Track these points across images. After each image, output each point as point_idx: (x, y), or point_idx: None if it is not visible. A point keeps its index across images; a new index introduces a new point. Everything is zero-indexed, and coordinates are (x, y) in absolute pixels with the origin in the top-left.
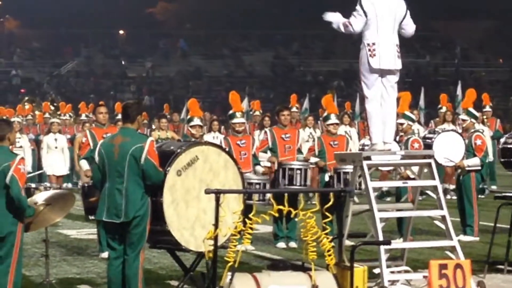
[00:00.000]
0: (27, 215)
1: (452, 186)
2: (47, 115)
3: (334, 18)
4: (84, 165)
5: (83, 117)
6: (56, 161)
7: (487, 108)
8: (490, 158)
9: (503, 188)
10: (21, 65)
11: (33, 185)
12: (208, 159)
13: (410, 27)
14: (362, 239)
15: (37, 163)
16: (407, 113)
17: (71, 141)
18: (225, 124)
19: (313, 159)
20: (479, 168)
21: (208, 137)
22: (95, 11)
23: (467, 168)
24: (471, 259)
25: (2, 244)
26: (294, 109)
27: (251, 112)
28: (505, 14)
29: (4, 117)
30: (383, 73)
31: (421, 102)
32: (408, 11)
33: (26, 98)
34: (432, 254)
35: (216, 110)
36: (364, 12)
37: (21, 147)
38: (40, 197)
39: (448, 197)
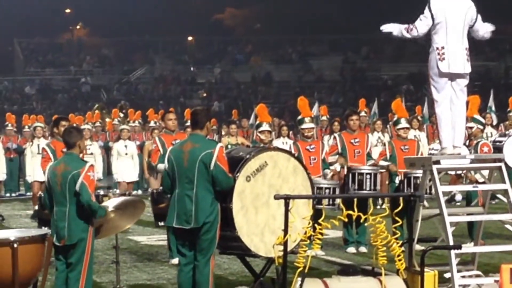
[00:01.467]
0: (98, 215)
1: None
2: (116, 121)
3: (393, 27)
4: (162, 168)
5: (152, 123)
6: (126, 167)
7: None
8: None
9: None
10: (90, 73)
11: (101, 192)
12: (277, 164)
13: (482, 30)
14: (432, 243)
15: (107, 170)
16: (477, 116)
17: (140, 148)
18: (293, 129)
19: (384, 163)
20: None
21: (277, 143)
22: (163, 18)
23: None
24: None
25: (73, 251)
26: (363, 113)
27: (319, 117)
28: None
29: (75, 125)
30: (452, 76)
31: (491, 104)
32: (479, 15)
33: (97, 105)
34: (503, 258)
35: (284, 116)
36: (432, 15)
37: (91, 154)
38: (110, 204)
39: None
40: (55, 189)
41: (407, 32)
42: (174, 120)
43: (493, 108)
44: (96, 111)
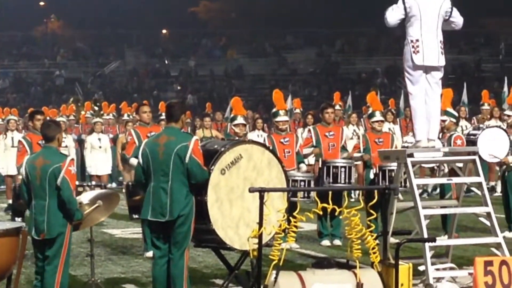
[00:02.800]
0: (75, 219)
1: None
2: (89, 114)
3: None
4: (135, 162)
5: (125, 116)
6: (99, 161)
7: None
8: None
9: None
10: (64, 66)
11: (76, 183)
12: (252, 157)
13: (458, 20)
14: (406, 236)
15: (80, 163)
16: (450, 110)
17: (114, 140)
18: (268, 122)
19: (358, 154)
20: None
21: (252, 136)
22: (137, 11)
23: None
24: None
25: (52, 245)
26: (337, 107)
27: (292, 110)
28: None
29: (51, 118)
30: (427, 69)
31: (464, 98)
32: (455, 8)
33: (72, 98)
34: (477, 251)
35: (259, 109)
36: (405, 7)
37: (66, 146)
38: (85, 197)
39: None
40: (34, 182)
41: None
42: (148, 113)
43: (466, 102)
44: (71, 104)
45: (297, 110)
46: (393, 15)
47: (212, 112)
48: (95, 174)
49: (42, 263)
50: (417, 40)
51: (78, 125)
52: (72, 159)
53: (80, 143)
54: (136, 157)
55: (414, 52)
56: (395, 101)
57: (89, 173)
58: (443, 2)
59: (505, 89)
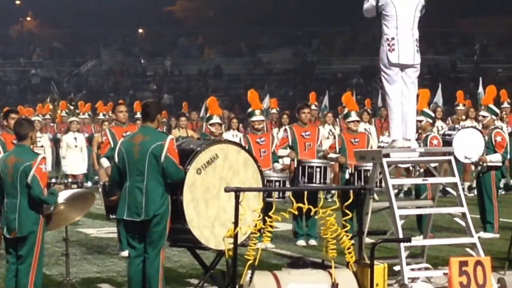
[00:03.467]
0: (49, 203)
1: (467, 184)
2: (64, 114)
3: None
4: (105, 163)
5: (100, 116)
6: (75, 160)
7: (505, 105)
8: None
9: None
10: (40, 65)
11: (53, 180)
12: (227, 157)
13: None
14: (382, 236)
15: (56, 162)
16: (426, 110)
17: (89, 140)
18: (244, 122)
19: (334, 155)
20: (500, 164)
21: (227, 135)
22: (114, 10)
23: (488, 164)
24: (491, 256)
25: (23, 244)
26: (313, 107)
27: (269, 110)
28: None
29: (25, 116)
30: (402, 68)
31: (438, 99)
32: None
33: (49, 97)
34: (452, 251)
35: (235, 108)
36: (377, 6)
37: (42, 146)
38: (60, 197)
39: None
40: (6, 180)
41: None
42: (124, 112)
43: (441, 102)
44: (47, 103)
45: (274, 110)
46: (368, 11)
47: (188, 111)
48: (71, 173)
49: (15, 262)
50: (392, 38)
51: (53, 124)
52: (44, 158)
53: (55, 142)
54: (108, 157)
55: (389, 50)
56: (371, 101)
57: (65, 172)
58: (419, 0)
59: (480, 89)
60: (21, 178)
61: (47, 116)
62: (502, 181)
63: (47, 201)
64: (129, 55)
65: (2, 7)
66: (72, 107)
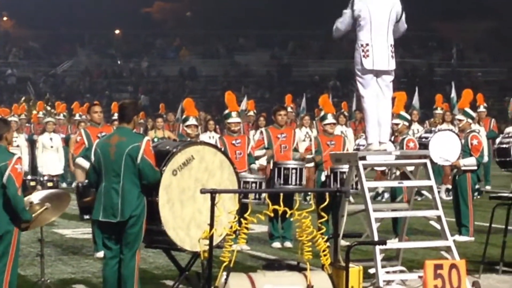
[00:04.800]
0: (23, 219)
1: (445, 187)
2: (41, 114)
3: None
4: (82, 162)
5: (76, 116)
6: (51, 160)
7: (481, 109)
8: (485, 158)
9: (498, 188)
10: (16, 65)
11: (29, 177)
12: (203, 159)
13: (402, 27)
14: (357, 239)
15: (31, 163)
16: (403, 113)
17: (65, 141)
18: (220, 124)
19: (309, 157)
20: (475, 168)
21: (204, 137)
22: (91, 11)
23: (463, 168)
24: (466, 259)
25: None
26: (289, 109)
27: (245, 112)
28: (502, 15)
29: (1, 117)
30: (377, 73)
31: (414, 102)
32: (404, 12)
33: (24, 97)
34: (427, 254)
35: (211, 110)
36: (353, 12)
37: (18, 146)
38: (35, 197)
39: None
40: None
41: (335, 34)
42: (100, 113)
43: (418, 106)
44: (23, 104)
45: (251, 112)
46: (342, 22)
47: (165, 113)
48: (47, 174)
49: None
50: (367, 44)
51: (29, 125)
52: (19, 158)
53: (31, 143)
54: (83, 157)
55: (364, 56)
56: (348, 104)
57: (41, 173)
58: (394, 5)
59: (453, 94)
60: None
61: (22, 116)
62: (478, 185)
63: (20, 209)
64: (106, 56)
65: None
66: (49, 108)
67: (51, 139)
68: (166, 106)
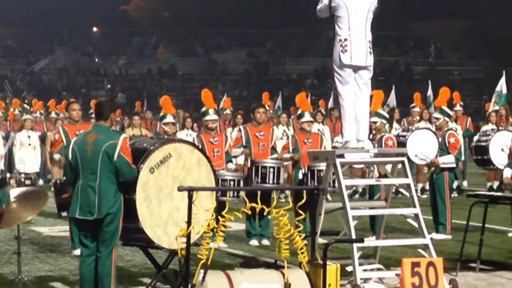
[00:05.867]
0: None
1: (420, 185)
2: (17, 112)
3: None
4: (58, 156)
5: (53, 114)
6: (28, 158)
7: (458, 107)
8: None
9: (474, 186)
10: None
11: (8, 175)
12: (181, 156)
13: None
14: (335, 237)
15: (8, 160)
16: (380, 111)
17: (42, 138)
18: (197, 121)
19: (287, 155)
20: (454, 166)
21: (181, 135)
22: (68, 8)
23: (441, 166)
24: (443, 257)
25: None
26: (266, 107)
27: (222, 110)
28: (479, 14)
29: None
30: (355, 69)
31: (391, 100)
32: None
33: (0, 95)
34: (404, 252)
35: (189, 108)
36: (330, 6)
37: None
38: (11, 194)
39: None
40: None
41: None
42: (78, 111)
43: (394, 104)
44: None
45: (228, 110)
46: (320, 11)
47: (142, 111)
48: (24, 172)
49: None
50: (345, 39)
51: (6, 122)
52: None
53: (8, 140)
54: (61, 153)
55: (342, 51)
56: (325, 102)
57: (18, 170)
58: (372, 1)
59: (429, 92)
60: None
61: (0, 114)
62: (456, 183)
63: None
64: (84, 54)
65: None
66: (26, 105)
67: (29, 136)
68: (142, 104)
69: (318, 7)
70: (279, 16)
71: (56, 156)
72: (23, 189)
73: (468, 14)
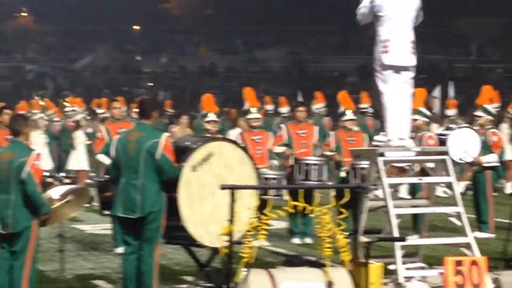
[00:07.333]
0: (42, 212)
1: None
2: (68, 109)
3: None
4: (104, 159)
5: (98, 111)
6: (79, 156)
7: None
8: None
9: None
10: (35, 60)
11: (48, 175)
12: (223, 154)
13: (418, 19)
14: (377, 235)
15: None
16: (422, 109)
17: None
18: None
19: (328, 153)
20: (497, 164)
21: (233, 133)
22: (109, 6)
23: (484, 165)
24: (486, 256)
25: (18, 240)
26: (320, 105)
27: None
28: None
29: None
30: (397, 69)
31: (436, 93)
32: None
33: (40, 93)
34: (447, 250)
35: (229, 106)
36: (372, 7)
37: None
38: (55, 192)
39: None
40: (0, 176)
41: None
42: (120, 109)
43: (453, 95)
44: (40, 99)
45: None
46: (360, 16)
47: (173, 109)
48: (72, 169)
49: (9, 258)
50: (387, 40)
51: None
52: (38, 154)
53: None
54: (104, 153)
55: (383, 52)
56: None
57: (70, 168)
58: (414, 1)
59: (451, 92)
60: (15, 174)
61: (50, 113)
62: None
63: (40, 202)
64: (124, 52)
65: None
66: (66, 103)
67: (86, 133)
68: (183, 102)
69: (360, 12)
70: (320, 12)
71: (100, 157)
72: (65, 187)
73: (507, 11)
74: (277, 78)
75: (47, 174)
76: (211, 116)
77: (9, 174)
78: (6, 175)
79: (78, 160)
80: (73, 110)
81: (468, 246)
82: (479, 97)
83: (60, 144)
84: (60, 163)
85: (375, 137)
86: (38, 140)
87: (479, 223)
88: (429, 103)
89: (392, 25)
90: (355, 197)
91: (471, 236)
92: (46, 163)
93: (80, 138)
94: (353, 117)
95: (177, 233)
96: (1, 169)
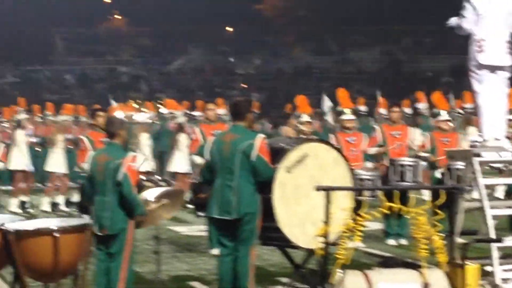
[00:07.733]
0: (138, 213)
1: None
2: (164, 111)
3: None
4: (198, 160)
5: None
6: (182, 158)
7: None
8: None
9: None
10: (129, 62)
11: (143, 178)
12: (318, 156)
13: None
14: (473, 236)
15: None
16: None
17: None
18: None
19: (424, 155)
20: None
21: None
22: (202, 8)
23: None
24: None
25: (114, 241)
26: (422, 105)
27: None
28: None
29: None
30: (493, 68)
31: None
32: None
33: (134, 95)
34: None
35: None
36: (473, 8)
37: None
38: (150, 194)
39: None
40: (96, 178)
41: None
42: (214, 111)
43: None
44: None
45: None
46: (465, 22)
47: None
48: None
49: (106, 260)
50: (482, 40)
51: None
52: (134, 156)
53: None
54: (199, 155)
55: (479, 51)
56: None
57: (173, 171)
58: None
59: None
60: (111, 176)
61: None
62: None
63: (136, 203)
64: (218, 53)
65: (91, 6)
66: (160, 106)
67: (188, 135)
68: (277, 103)
69: (459, 22)
70: (414, 12)
71: (195, 159)
72: (160, 188)
73: None
74: (370, 78)
75: (143, 177)
76: (305, 117)
77: (105, 176)
78: (102, 177)
79: (181, 162)
80: (171, 113)
81: None
82: None
83: (158, 146)
84: (159, 165)
85: (471, 138)
86: (144, 141)
87: None
88: None
89: (488, 24)
90: (451, 198)
91: None
92: (148, 164)
93: (184, 140)
94: (448, 118)
95: (272, 234)
96: (98, 172)
